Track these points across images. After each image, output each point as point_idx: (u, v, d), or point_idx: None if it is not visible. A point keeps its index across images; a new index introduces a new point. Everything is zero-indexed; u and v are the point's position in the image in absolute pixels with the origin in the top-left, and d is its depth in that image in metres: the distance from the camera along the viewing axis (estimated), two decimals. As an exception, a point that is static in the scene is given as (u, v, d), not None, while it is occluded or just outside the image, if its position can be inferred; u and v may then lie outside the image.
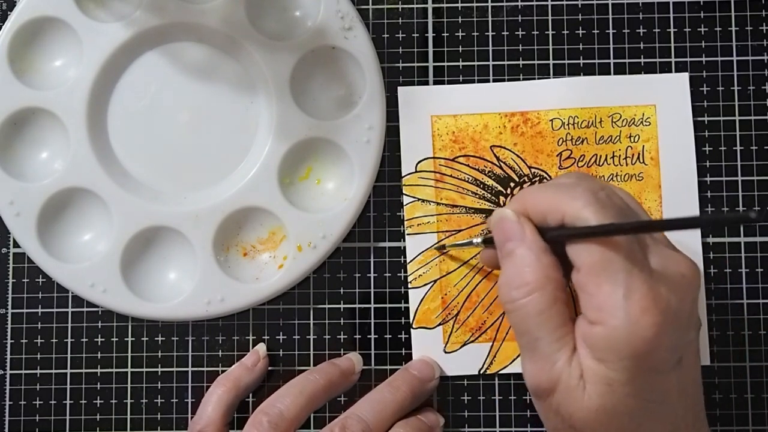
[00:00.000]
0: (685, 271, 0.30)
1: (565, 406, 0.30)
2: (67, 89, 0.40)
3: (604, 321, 0.28)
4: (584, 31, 0.41)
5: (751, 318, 0.40)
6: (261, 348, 0.40)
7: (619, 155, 0.40)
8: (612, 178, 0.40)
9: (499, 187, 0.41)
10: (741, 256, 0.40)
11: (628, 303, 0.28)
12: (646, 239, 0.30)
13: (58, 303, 0.41)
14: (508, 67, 0.41)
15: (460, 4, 0.42)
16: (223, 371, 0.40)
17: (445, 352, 0.40)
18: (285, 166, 0.40)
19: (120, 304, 0.39)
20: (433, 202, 0.41)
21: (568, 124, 0.40)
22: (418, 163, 0.41)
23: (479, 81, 0.41)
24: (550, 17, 0.41)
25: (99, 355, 0.41)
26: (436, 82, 0.41)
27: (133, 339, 0.41)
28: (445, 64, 0.41)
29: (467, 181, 0.41)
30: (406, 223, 0.41)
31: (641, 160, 0.40)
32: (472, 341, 0.40)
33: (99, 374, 0.41)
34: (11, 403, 0.41)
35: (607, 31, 0.41)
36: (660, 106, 0.40)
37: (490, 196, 0.41)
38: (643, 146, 0.40)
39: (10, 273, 0.41)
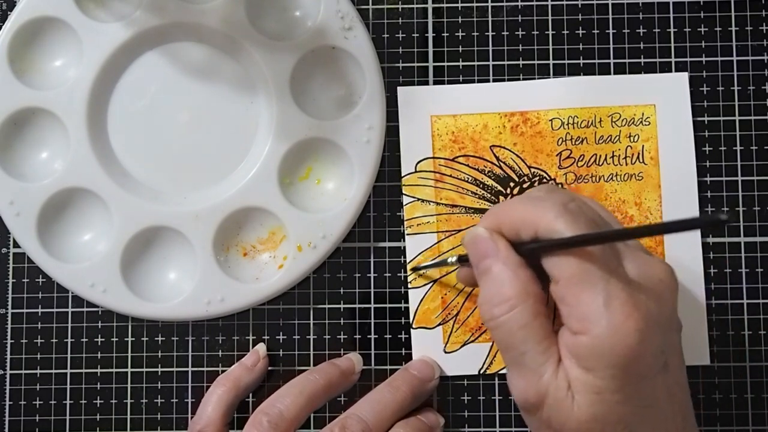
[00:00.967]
0: (662, 276, 0.30)
1: (555, 418, 0.29)
2: (67, 89, 0.40)
3: (587, 330, 0.28)
4: (584, 31, 0.41)
5: (751, 318, 0.40)
6: (261, 348, 0.40)
7: (619, 155, 0.40)
8: (612, 178, 0.40)
9: (499, 187, 0.41)
10: (741, 256, 0.40)
11: (609, 311, 0.28)
12: (619, 247, 0.30)
13: (58, 303, 0.41)
14: (508, 67, 0.41)
15: (460, 4, 0.42)
16: (223, 371, 0.40)
17: (445, 352, 0.40)
18: (285, 166, 0.40)
19: (120, 304, 0.39)
20: (433, 202, 0.41)
21: (567, 124, 0.40)
22: (418, 163, 0.41)
23: (479, 81, 0.41)
24: (550, 17, 0.41)
25: (99, 355, 0.41)
26: (436, 82, 0.41)
27: (133, 339, 0.41)
28: (445, 64, 0.41)
29: (467, 181, 0.41)
30: (405, 223, 0.41)
31: (641, 160, 0.40)
32: (472, 341, 0.40)
33: (99, 374, 0.41)
34: (11, 403, 0.41)
35: (607, 31, 0.41)
36: (660, 105, 0.40)
37: (489, 196, 0.41)
38: (643, 146, 0.40)
39: (10, 273, 0.41)
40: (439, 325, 0.40)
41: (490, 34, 0.41)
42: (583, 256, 0.28)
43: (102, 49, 0.40)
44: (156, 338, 0.41)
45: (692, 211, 0.40)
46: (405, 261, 0.41)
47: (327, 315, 0.41)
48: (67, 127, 0.40)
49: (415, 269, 0.40)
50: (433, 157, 0.41)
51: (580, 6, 0.41)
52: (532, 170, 0.40)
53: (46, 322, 0.41)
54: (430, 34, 0.41)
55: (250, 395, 0.40)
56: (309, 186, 0.41)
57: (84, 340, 0.41)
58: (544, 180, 0.40)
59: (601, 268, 0.28)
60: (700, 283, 0.40)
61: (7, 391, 0.41)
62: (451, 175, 0.41)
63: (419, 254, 0.40)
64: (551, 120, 0.40)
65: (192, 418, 0.38)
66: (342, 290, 0.41)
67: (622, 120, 0.40)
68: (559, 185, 0.40)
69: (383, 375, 0.39)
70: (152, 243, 0.40)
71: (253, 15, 0.40)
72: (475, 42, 0.41)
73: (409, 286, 0.40)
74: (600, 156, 0.40)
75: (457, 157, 0.41)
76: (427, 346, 0.40)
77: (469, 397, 0.40)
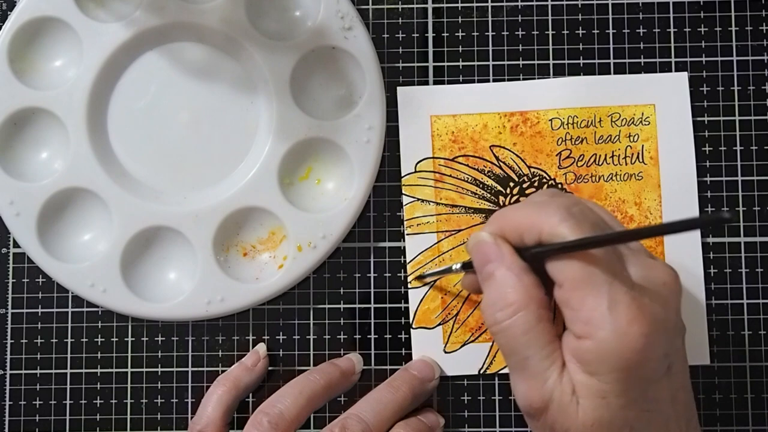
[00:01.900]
0: (666, 279, 0.30)
1: (560, 423, 0.29)
2: (67, 89, 0.40)
3: (591, 334, 0.28)
4: (584, 31, 0.41)
5: (751, 318, 0.40)
6: (261, 348, 0.40)
7: (619, 155, 0.40)
8: (611, 178, 0.40)
9: (499, 187, 0.41)
10: (741, 256, 0.40)
11: (614, 315, 0.28)
12: (623, 251, 0.30)
13: (58, 303, 0.41)
14: (508, 67, 0.41)
15: (460, 4, 0.42)
16: (223, 371, 0.40)
17: (445, 352, 0.40)
18: (285, 166, 0.40)
19: (120, 304, 0.39)
20: (433, 202, 0.41)
21: (567, 124, 0.40)
22: (418, 163, 0.41)
23: (479, 81, 0.41)
24: (550, 17, 0.41)
25: (99, 355, 0.41)
26: (436, 82, 0.41)
27: (133, 339, 0.41)
28: (445, 64, 0.41)
29: (467, 181, 0.41)
30: (405, 223, 0.41)
31: (641, 160, 0.40)
32: (472, 341, 0.40)
33: (99, 374, 0.41)
34: (11, 403, 0.41)
35: (607, 31, 0.41)
36: (659, 105, 0.40)
37: (489, 196, 0.41)
38: (643, 146, 0.40)
39: (10, 273, 0.41)
40: (439, 325, 0.40)
41: (490, 34, 0.41)
42: (587, 259, 0.28)
43: (102, 49, 0.40)
44: (156, 338, 0.41)
45: (692, 211, 0.40)
46: (405, 261, 0.41)
47: (327, 315, 0.41)
48: (67, 127, 0.40)
49: (419, 277, 0.40)
50: (433, 157, 0.41)
51: (580, 6, 0.41)
52: (532, 170, 0.40)
53: (46, 322, 0.41)
54: (430, 34, 0.41)
55: (250, 395, 0.40)
56: (309, 186, 0.41)
57: (84, 340, 0.41)
58: (544, 180, 0.40)
59: (606, 271, 0.28)
60: (700, 283, 0.40)
61: (7, 391, 0.41)
62: (450, 175, 0.41)
63: (419, 254, 0.40)
64: (551, 120, 0.40)
65: (192, 418, 0.38)
66: (342, 290, 0.41)
67: (622, 120, 0.40)
68: (559, 185, 0.40)
69: (383, 375, 0.39)
70: (152, 243, 0.40)
71: (253, 15, 0.40)
72: (475, 42, 0.41)
73: (409, 286, 0.40)
74: (600, 156, 0.40)
75: (456, 157, 0.41)
76: (427, 346, 0.40)
77: (469, 397, 0.40)
